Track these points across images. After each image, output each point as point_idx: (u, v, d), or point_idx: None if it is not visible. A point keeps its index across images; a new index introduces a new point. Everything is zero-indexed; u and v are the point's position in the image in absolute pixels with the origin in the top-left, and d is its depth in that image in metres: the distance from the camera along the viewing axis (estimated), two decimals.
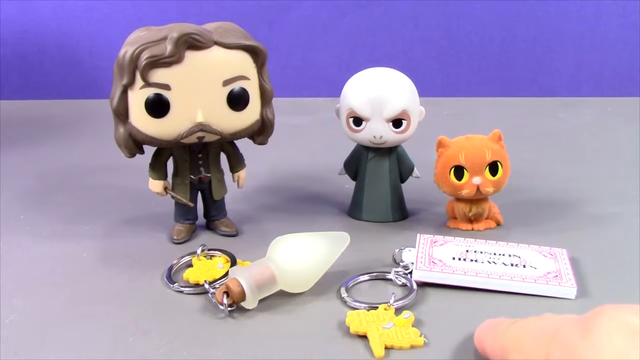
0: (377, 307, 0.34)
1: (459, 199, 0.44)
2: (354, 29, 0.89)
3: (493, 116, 0.80)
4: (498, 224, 0.46)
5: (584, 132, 0.72)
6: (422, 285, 0.37)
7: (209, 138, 0.40)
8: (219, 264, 0.40)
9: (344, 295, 0.36)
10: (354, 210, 0.48)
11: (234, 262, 0.40)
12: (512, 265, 0.38)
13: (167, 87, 0.37)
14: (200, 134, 0.39)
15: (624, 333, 0.21)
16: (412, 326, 0.32)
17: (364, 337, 0.32)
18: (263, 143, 0.43)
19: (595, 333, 0.21)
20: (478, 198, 0.44)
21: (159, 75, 0.37)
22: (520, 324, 0.26)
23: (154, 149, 0.42)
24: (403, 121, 0.43)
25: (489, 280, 0.36)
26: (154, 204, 0.48)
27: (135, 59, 0.37)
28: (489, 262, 0.38)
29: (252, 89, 0.40)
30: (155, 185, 0.43)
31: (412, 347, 0.31)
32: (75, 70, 0.91)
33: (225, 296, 0.34)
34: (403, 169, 0.47)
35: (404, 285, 0.37)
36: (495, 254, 0.39)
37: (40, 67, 0.91)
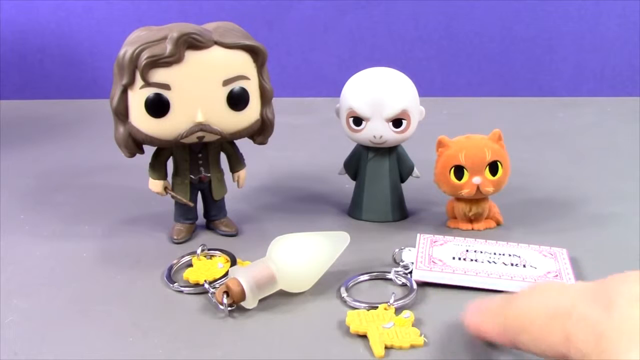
0: (377, 307, 0.34)
1: (459, 199, 0.44)
2: (354, 28, 0.89)
3: (493, 116, 0.80)
4: (498, 224, 0.46)
5: (584, 132, 0.72)
6: (422, 285, 0.37)
7: (209, 138, 0.40)
8: (219, 263, 0.40)
9: (344, 295, 0.36)
10: (354, 210, 0.48)
11: (234, 262, 0.40)
12: (512, 265, 0.38)
13: (167, 86, 0.37)
14: (200, 133, 0.39)
15: None
16: (412, 326, 0.32)
17: (364, 336, 0.32)
18: (263, 143, 0.43)
19: (619, 307, 0.20)
20: (478, 198, 0.44)
21: (159, 75, 0.37)
22: (521, 302, 0.25)
23: (154, 149, 0.42)
24: (403, 121, 0.43)
25: (489, 280, 0.36)
26: (154, 204, 0.48)
27: (135, 58, 0.37)
28: (489, 262, 0.38)
29: (252, 88, 0.40)
30: (155, 185, 0.43)
31: (412, 346, 0.31)
32: (75, 70, 0.91)
33: (225, 296, 0.34)
34: (403, 169, 0.47)
35: (404, 285, 0.37)
36: (495, 253, 0.39)
37: (40, 67, 0.91)
